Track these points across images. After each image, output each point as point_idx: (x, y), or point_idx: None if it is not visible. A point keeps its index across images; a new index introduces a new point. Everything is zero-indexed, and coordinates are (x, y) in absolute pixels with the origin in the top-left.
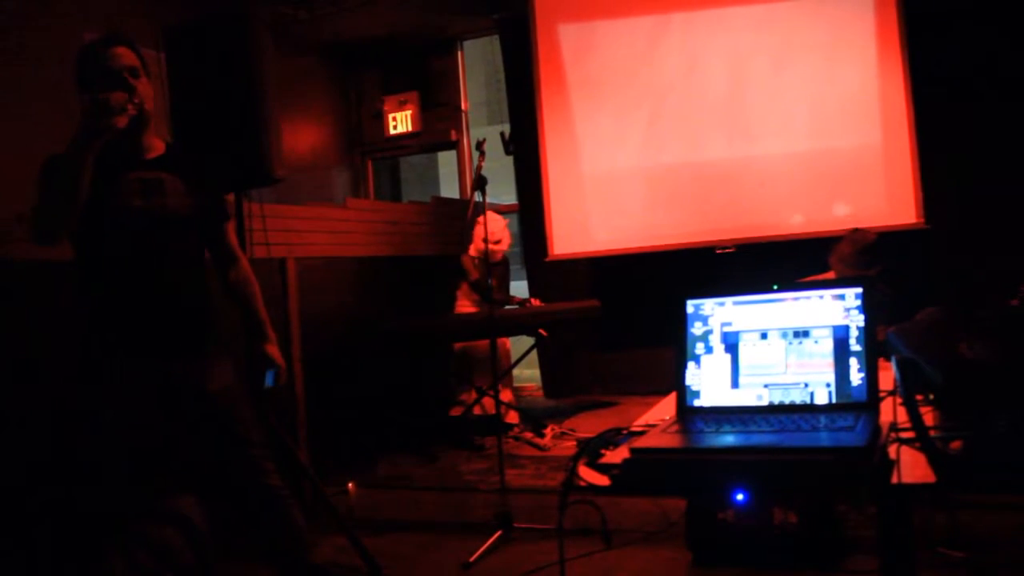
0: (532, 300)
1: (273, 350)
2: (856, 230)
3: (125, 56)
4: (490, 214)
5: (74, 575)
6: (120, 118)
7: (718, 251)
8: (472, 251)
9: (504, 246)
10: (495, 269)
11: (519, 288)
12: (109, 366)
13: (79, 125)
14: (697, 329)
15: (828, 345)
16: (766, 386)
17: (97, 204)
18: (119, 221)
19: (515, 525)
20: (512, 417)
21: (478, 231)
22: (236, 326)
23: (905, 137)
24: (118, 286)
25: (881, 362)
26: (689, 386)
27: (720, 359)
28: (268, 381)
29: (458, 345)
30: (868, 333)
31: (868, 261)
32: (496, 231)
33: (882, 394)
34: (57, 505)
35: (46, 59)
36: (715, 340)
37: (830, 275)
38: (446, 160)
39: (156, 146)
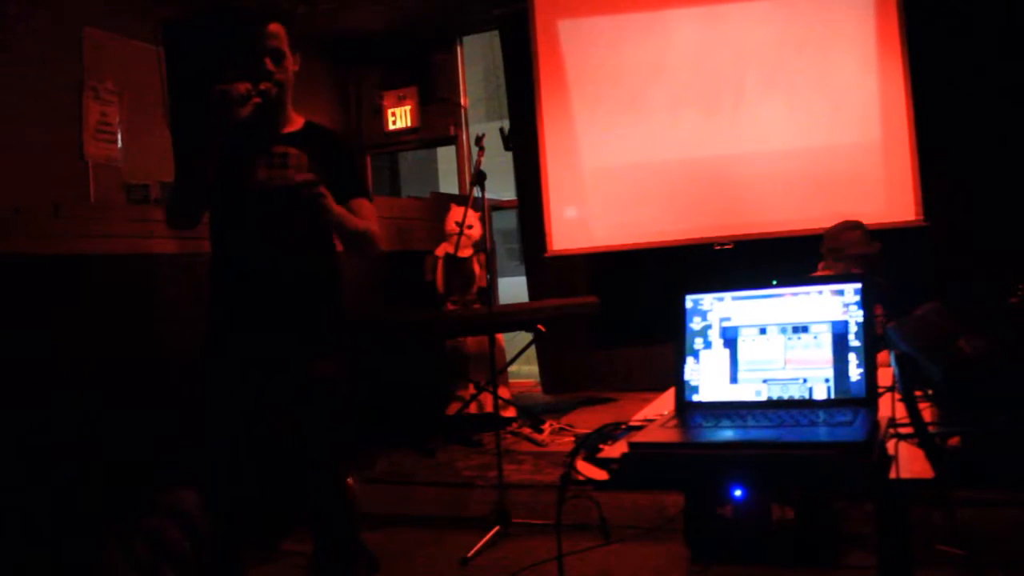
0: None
1: None
2: (846, 221)
3: (274, 37)
4: (454, 207)
5: (74, 567)
6: (242, 108)
7: (716, 247)
8: (439, 251)
9: (476, 232)
10: (461, 267)
11: (517, 284)
12: (221, 340)
13: (207, 112)
14: (696, 324)
15: (827, 340)
16: (765, 381)
17: (227, 179)
18: (243, 195)
19: (513, 520)
20: (510, 413)
21: (449, 226)
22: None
23: (905, 134)
24: (234, 259)
25: (883, 355)
26: (688, 381)
27: (719, 354)
28: None
29: (449, 342)
30: (867, 329)
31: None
32: (467, 219)
33: (881, 390)
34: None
35: (46, 56)
36: (714, 335)
37: (839, 268)
38: (445, 156)
39: (294, 121)
